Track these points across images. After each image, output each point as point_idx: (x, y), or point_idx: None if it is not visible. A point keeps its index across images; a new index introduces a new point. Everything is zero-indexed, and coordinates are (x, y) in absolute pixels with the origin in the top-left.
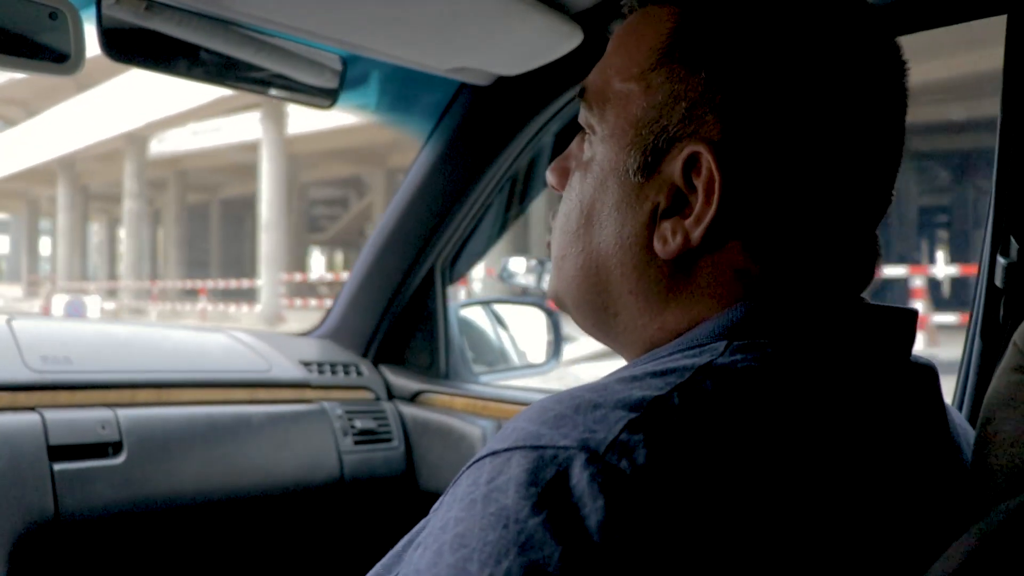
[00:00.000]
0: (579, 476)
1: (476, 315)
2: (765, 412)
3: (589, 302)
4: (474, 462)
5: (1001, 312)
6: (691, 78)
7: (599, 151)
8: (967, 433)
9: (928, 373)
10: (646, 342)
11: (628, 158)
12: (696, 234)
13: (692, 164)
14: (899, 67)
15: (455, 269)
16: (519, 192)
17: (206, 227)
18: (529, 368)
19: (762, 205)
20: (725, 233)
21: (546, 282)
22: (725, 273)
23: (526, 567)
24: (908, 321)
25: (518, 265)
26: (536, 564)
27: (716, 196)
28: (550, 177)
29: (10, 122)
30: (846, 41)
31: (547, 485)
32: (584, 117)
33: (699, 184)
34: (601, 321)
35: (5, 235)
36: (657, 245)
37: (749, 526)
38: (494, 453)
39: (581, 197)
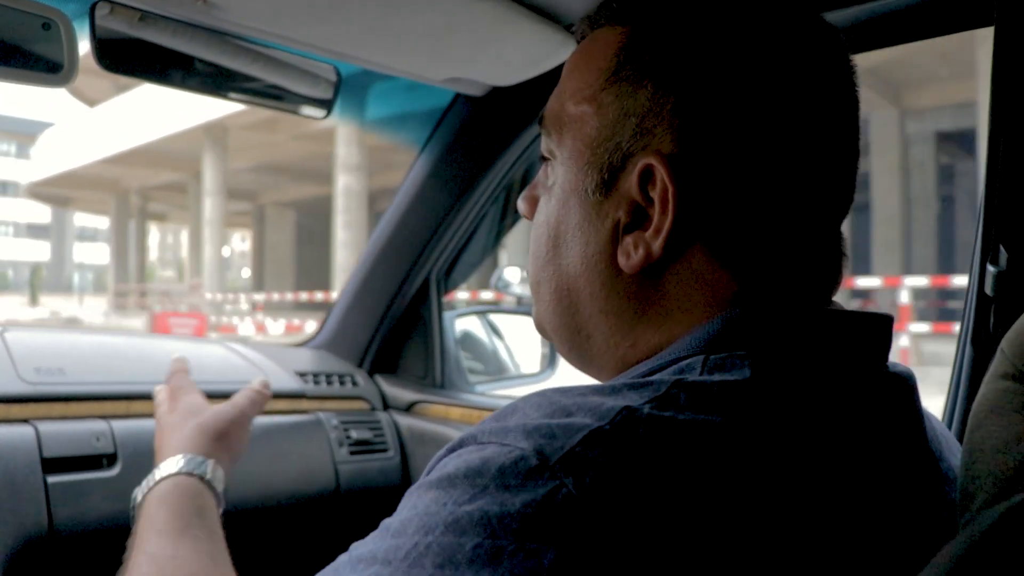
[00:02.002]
0: (522, 481)
1: (471, 325)
2: (742, 428)
3: (564, 325)
4: (445, 450)
5: (991, 320)
6: (638, 92)
7: (559, 174)
8: (948, 440)
9: (905, 381)
10: (619, 362)
11: (586, 178)
12: (656, 245)
13: (648, 177)
14: (846, 65)
15: (450, 279)
16: (514, 202)
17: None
18: (525, 378)
19: (720, 211)
20: (686, 242)
21: None
22: (693, 283)
23: (444, 547)
24: (883, 327)
25: (513, 275)
26: (452, 548)
27: (672, 206)
28: (521, 206)
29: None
30: (789, 45)
31: (491, 478)
32: (545, 144)
33: (655, 196)
34: (576, 344)
35: (95, 242)
36: (621, 260)
37: (718, 542)
38: (461, 442)
39: (547, 221)
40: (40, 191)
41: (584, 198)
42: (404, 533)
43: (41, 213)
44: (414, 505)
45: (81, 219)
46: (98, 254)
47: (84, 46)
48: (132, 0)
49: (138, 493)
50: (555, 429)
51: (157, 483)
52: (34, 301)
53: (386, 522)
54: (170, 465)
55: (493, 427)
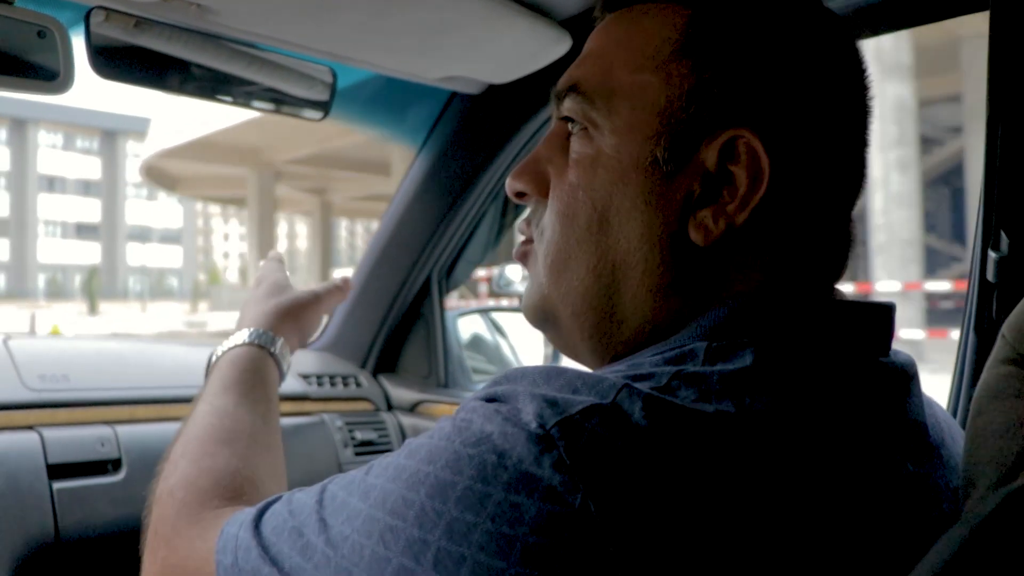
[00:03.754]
0: (523, 446)
1: (475, 324)
2: (737, 416)
3: (595, 308)
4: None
5: (994, 306)
6: (719, 68)
7: (609, 145)
8: (951, 427)
9: (906, 370)
10: (644, 345)
11: (656, 148)
12: (741, 218)
13: (730, 150)
14: (863, 59)
15: (452, 277)
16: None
17: None
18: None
19: (797, 188)
20: (763, 217)
21: None
22: (740, 261)
23: (440, 480)
24: (885, 316)
25: (514, 273)
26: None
27: (766, 178)
28: (518, 184)
29: None
30: (829, 38)
31: (497, 438)
32: (580, 113)
33: (739, 169)
34: (600, 331)
35: (146, 242)
36: (695, 234)
37: (703, 524)
38: (476, 399)
39: (592, 195)
40: (159, 165)
41: (651, 169)
42: (415, 456)
43: (91, 211)
44: (431, 435)
45: (133, 217)
46: (153, 255)
47: (80, 53)
48: (127, 7)
49: (213, 355)
50: (559, 399)
51: (231, 348)
52: (93, 309)
53: (409, 440)
54: (244, 335)
55: (507, 390)
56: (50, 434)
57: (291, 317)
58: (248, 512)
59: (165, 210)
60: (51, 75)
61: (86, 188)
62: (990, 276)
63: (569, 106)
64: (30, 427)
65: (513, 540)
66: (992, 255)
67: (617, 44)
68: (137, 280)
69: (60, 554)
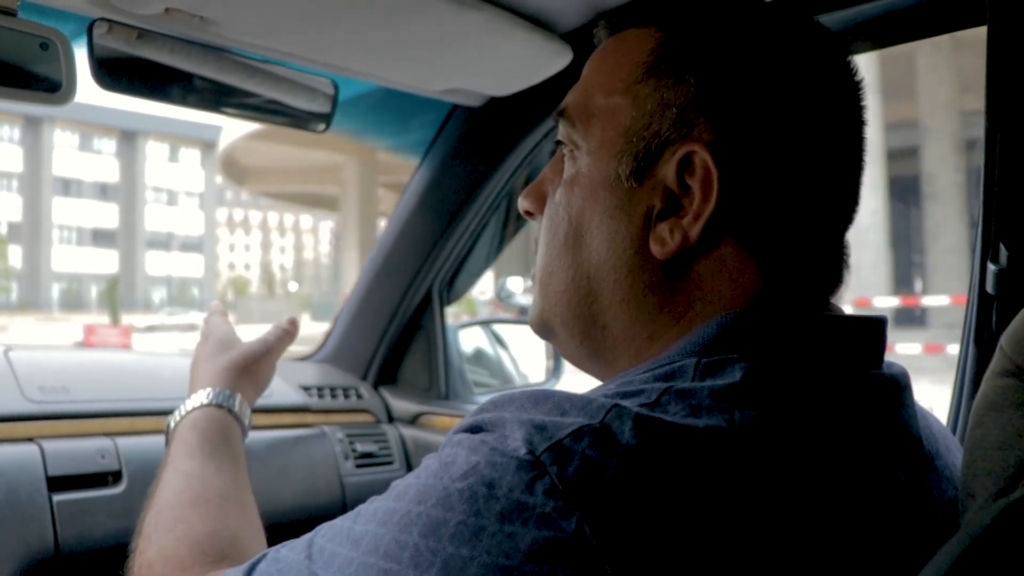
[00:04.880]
0: (512, 473)
1: (476, 336)
2: (728, 432)
3: (578, 316)
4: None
5: (993, 318)
6: (680, 86)
7: (585, 164)
8: (946, 439)
9: (898, 381)
10: (634, 355)
11: (620, 165)
12: (694, 231)
13: (686, 165)
14: (856, 77)
15: (453, 289)
16: (515, 210)
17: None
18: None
19: (752, 205)
20: (720, 232)
21: None
22: (719, 276)
23: (432, 519)
24: (877, 330)
25: (516, 285)
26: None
27: (715, 191)
28: (524, 203)
29: None
30: (811, 53)
31: (486, 467)
32: (566, 135)
33: (694, 183)
34: (590, 336)
35: (167, 250)
36: (654, 247)
37: (694, 539)
38: (460, 431)
39: (569, 211)
40: (237, 151)
41: (615, 186)
42: (403, 497)
43: (108, 216)
44: (417, 474)
45: (153, 224)
46: (174, 264)
47: (83, 65)
48: (130, 19)
49: (171, 421)
50: (547, 423)
51: (189, 412)
52: (115, 322)
53: (396, 482)
54: (201, 396)
55: (492, 417)
56: (50, 446)
57: (245, 372)
58: (234, 573)
59: (185, 216)
60: (54, 86)
61: (103, 192)
62: (989, 288)
63: (560, 130)
64: (30, 439)
65: (510, 570)
66: (991, 267)
67: (598, 69)
68: (158, 290)
69: (60, 567)
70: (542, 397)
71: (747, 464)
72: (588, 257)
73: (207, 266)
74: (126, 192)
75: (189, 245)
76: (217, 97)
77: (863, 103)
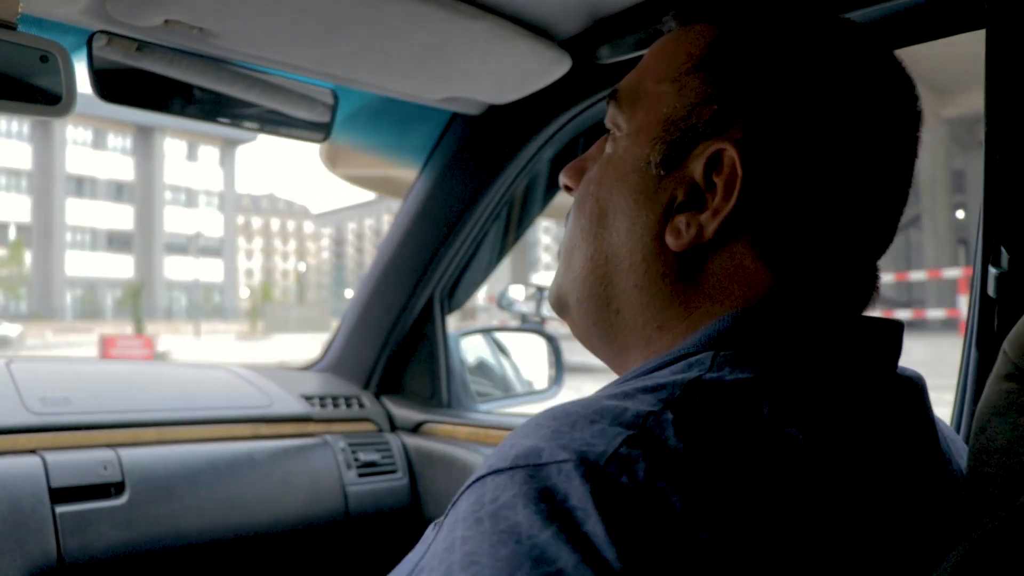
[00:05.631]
0: (580, 489)
1: (478, 344)
2: (756, 426)
3: (594, 296)
4: (474, 481)
5: (995, 321)
6: (725, 84)
7: (622, 146)
8: (955, 443)
9: (915, 385)
10: (645, 342)
11: (652, 152)
12: (711, 228)
13: (715, 163)
14: (912, 101)
15: (454, 298)
16: (515, 218)
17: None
18: (532, 395)
19: (775, 210)
20: (736, 231)
21: (545, 309)
22: (731, 275)
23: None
24: (894, 332)
25: (518, 292)
26: None
27: (736, 191)
28: (564, 177)
29: None
30: (864, 71)
31: (552, 499)
32: (611, 117)
33: (719, 181)
34: (603, 318)
35: (184, 255)
36: (669, 238)
37: (746, 538)
38: (496, 472)
39: (598, 190)
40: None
41: (644, 171)
42: (447, 561)
43: (123, 218)
44: (453, 526)
45: (171, 226)
46: (194, 269)
47: (83, 77)
48: (129, 31)
49: None
50: (590, 438)
51: None
52: (140, 332)
53: (434, 545)
54: None
55: (516, 452)
56: (52, 458)
57: None
58: None
59: (205, 218)
60: (54, 99)
61: (118, 192)
62: (991, 292)
63: (607, 112)
64: (32, 451)
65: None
66: (992, 271)
67: (657, 55)
68: (178, 297)
69: None
70: (570, 417)
71: (774, 461)
72: (609, 237)
73: (227, 270)
74: (142, 192)
75: (208, 249)
76: (216, 108)
77: (917, 132)
